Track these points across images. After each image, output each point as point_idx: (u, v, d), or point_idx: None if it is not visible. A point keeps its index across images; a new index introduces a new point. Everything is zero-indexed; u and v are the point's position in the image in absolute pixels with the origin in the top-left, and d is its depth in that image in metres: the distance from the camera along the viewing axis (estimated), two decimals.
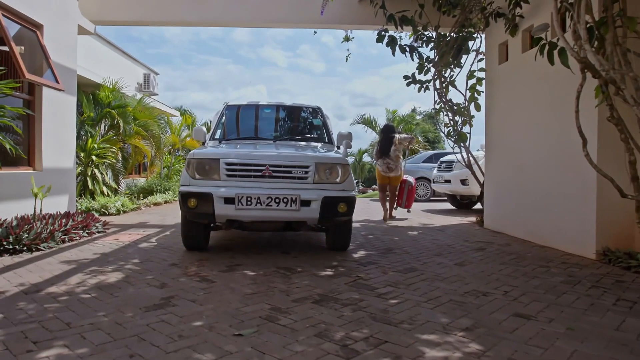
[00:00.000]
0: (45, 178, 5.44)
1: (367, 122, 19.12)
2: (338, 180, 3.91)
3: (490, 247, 4.63)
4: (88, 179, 8.02)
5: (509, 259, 3.98)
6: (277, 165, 3.82)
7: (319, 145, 4.76)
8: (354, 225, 6.25)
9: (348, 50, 8.88)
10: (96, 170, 8.12)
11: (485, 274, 3.40)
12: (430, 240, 5.07)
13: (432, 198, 11.58)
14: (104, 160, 8.41)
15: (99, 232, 5.32)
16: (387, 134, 6.95)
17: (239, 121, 5.17)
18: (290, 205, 3.70)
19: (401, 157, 7.03)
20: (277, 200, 3.69)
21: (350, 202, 3.86)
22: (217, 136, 4.91)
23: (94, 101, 9.07)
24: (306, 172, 3.84)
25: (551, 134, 4.64)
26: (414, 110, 27.06)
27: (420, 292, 2.89)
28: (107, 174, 8.39)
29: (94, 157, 8.14)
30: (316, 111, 5.25)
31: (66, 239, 4.61)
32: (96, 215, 7.33)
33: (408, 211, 7.83)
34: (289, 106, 5.24)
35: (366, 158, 25.10)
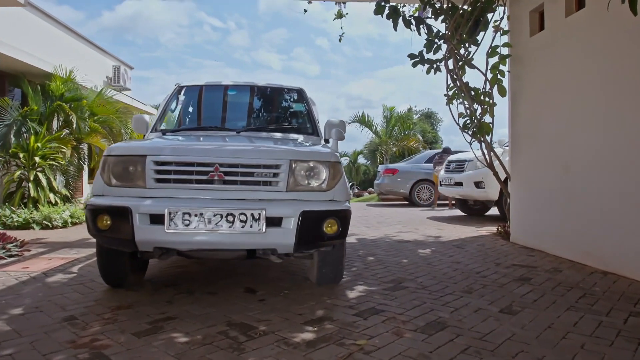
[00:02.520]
0: None
1: (362, 121, 17.88)
2: (324, 185, 2.64)
3: (536, 274, 3.37)
4: (30, 184, 6.70)
5: (574, 299, 2.72)
6: (231, 165, 2.55)
7: (301, 137, 3.49)
8: (349, 241, 4.98)
9: (342, 28, 7.50)
10: (40, 175, 6.79)
11: (557, 334, 2.14)
12: (449, 263, 3.80)
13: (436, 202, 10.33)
14: (52, 162, 7.09)
15: (10, 256, 4.02)
16: (444, 153, 9.79)
17: (194, 107, 3.89)
18: (251, 226, 2.42)
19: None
20: (230, 218, 2.41)
21: (342, 219, 2.59)
22: (161, 127, 3.62)
23: (44, 94, 7.75)
24: (276, 175, 2.57)
25: (617, 123, 3.40)
26: (409, 109, 25.89)
27: None
28: (55, 179, 7.07)
29: (37, 159, 6.81)
30: (298, 94, 3.97)
31: None
32: (36, 229, 6.06)
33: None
34: (263, 87, 3.96)
35: (361, 159, 23.91)
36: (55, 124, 7.94)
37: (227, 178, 2.53)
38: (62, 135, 7.50)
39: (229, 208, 2.42)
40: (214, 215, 2.41)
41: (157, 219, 2.43)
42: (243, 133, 3.40)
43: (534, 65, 4.59)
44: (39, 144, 6.87)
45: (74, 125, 7.34)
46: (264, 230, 2.42)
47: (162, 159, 2.55)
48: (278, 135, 3.46)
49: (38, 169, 6.89)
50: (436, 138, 27.39)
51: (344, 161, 24.62)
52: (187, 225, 2.41)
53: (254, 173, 2.55)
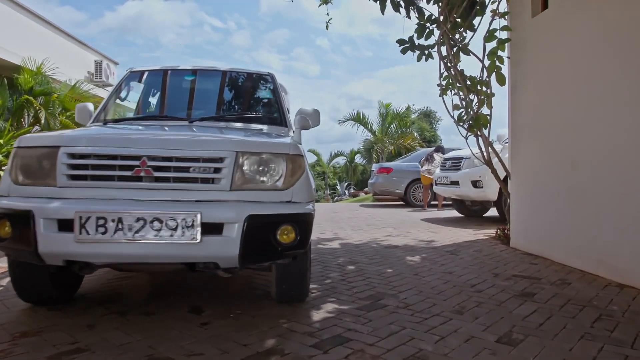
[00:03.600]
0: None
1: (357, 119, 17.38)
2: (280, 183, 2.15)
3: (540, 288, 2.87)
4: None
5: (588, 321, 2.22)
6: (163, 158, 2.05)
7: (266, 127, 3.00)
8: (331, 246, 4.50)
9: (328, 14, 6.74)
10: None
11: None
12: (440, 274, 3.30)
13: (432, 202, 9.82)
14: None
15: None
16: (436, 151, 9.18)
17: (145, 94, 3.41)
18: (182, 234, 1.92)
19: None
20: (155, 225, 1.92)
21: (302, 224, 2.10)
22: (105, 116, 3.13)
23: (12, 88, 7.25)
24: (218, 170, 2.07)
25: (637, 113, 2.90)
26: (408, 108, 25.35)
27: None
28: None
29: (0, 157, 6.31)
30: (266, 80, 3.47)
31: None
32: None
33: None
34: (226, 72, 3.46)
35: (359, 159, 23.42)
36: (27, 120, 7.46)
37: (157, 174, 2.03)
38: (31, 132, 7.00)
39: (155, 211, 1.93)
40: (136, 221, 1.91)
41: (66, 226, 1.93)
42: (197, 123, 2.90)
43: (537, 49, 4.09)
44: (2, 141, 6.37)
45: (42, 121, 6.85)
46: (199, 239, 1.93)
47: (77, 151, 2.06)
48: (239, 125, 2.97)
49: (3, 168, 6.39)
50: (435, 137, 26.88)
51: (341, 160, 24.14)
52: (103, 233, 1.91)
53: (191, 168, 2.05)
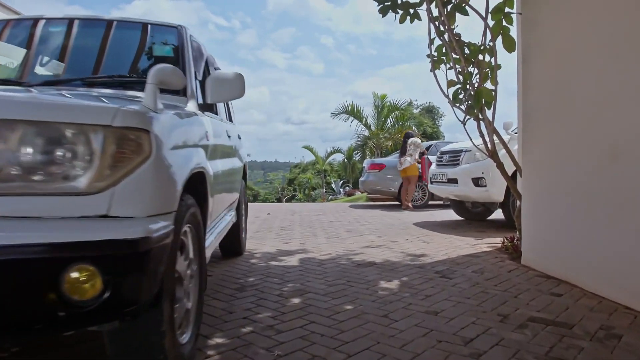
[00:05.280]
0: None
1: (351, 112, 16.29)
2: (83, 182, 1.10)
3: (576, 347, 1.82)
4: None
5: None
6: None
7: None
8: (287, 262, 3.49)
9: None
10: None
11: None
12: (420, 315, 2.25)
13: (430, 202, 8.76)
14: None
15: None
16: (405, 139, 8.60)
17: None
18: None
19: (413, 155, 8.20)
20: None
21: (125, 263, 1.06)
22: None
23: None
24: None
25: None
26: (410, 103, 24.21)
27: None
28: None
29: None
30: (170, 34, 2.41)
31: None
32: None
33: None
34: (109, 22, 2.41)
35: (356, 155, 22.32)
36: None
37: None
38: None
39: None
40: None
41: None
42: (40, 87, 1.87)
43: (558, 2, 3.03)
44: None
45: None
46: None
47: None
48: (107, 91, 1.93)
49: None
50: (437, 133, 25.79)
51: (339, 157, 22.97)
52: None
53: None
